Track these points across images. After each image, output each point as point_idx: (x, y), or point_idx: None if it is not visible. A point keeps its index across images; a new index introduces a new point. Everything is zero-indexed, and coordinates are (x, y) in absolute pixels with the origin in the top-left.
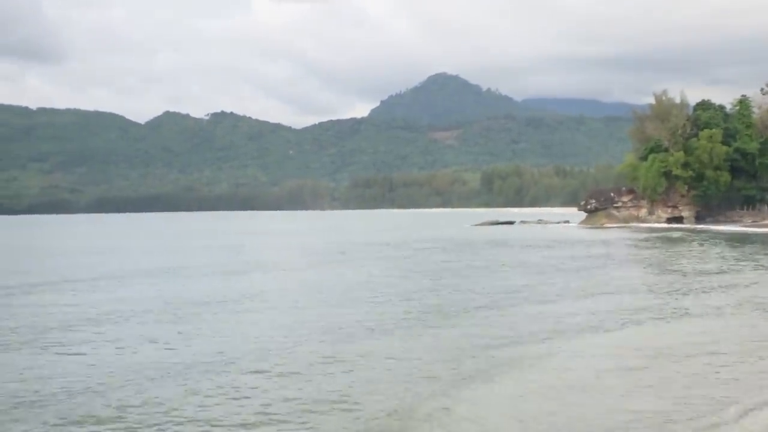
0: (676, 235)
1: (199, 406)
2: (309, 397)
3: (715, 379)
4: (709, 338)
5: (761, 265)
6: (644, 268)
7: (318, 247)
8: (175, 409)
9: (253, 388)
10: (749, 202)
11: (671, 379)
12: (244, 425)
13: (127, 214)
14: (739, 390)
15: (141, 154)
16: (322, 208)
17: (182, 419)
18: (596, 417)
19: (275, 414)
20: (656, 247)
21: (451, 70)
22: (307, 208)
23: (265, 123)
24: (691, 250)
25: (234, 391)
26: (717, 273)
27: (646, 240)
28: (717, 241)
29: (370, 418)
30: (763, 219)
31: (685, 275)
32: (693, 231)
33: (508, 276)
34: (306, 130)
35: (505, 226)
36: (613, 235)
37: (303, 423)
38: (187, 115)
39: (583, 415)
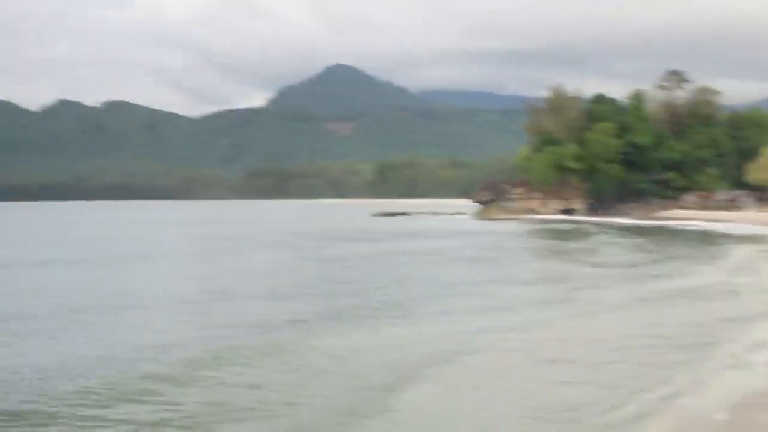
0: (568, 227)
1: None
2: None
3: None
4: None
5: (652, 258)
6: (533, 258)
7: (209, 241)
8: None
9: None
10: (641, 195)
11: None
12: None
13: (17, 203)
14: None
15: (33, 143)
16: (216, 199)
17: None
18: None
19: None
20: (546, 239)
21: (348, 61)
22: (200, 198)
23: (160, 112)
24: (581, 242)
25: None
26: (607, 265)
27: (537, 232)
28: (607, 232)
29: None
30: (654, 212)
31: (573, 265)
32: (584, 223)
33: (401, 267)
34: (201, 119)
35: (400, 217)
36: (505, 227)
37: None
38: (81, 103)
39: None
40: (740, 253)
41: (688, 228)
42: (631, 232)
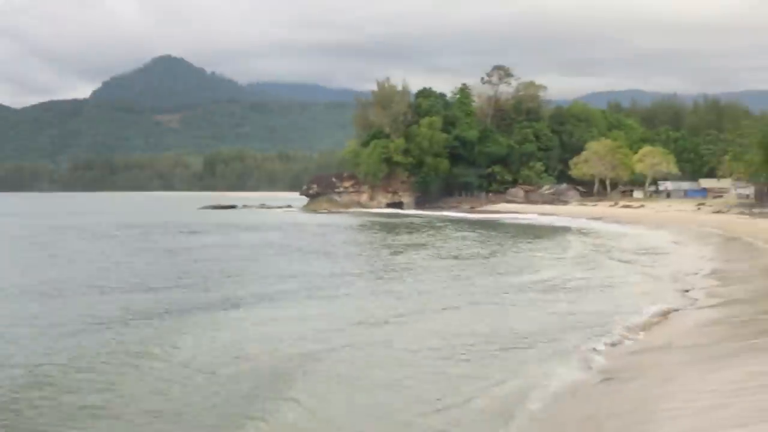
0: (396, 220)
1: None
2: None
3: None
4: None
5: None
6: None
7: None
8: None
9: None
10: (467, 189)
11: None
12: None
13: None
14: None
15: None
16: (42, 191)
17: None
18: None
19: None
20: (373, 231)
21: (175, 53)
22: (26, 191)
23: None
24: (417, 234)
25: None
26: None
27: (363, 225)
28: (438, 225)
29: None
30: (481, 205)
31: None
32: (414, 216)
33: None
34: (25, 110)
35: (228, 210)
36: (331, 219)
37: None
38: None
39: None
40: (575, 246)
41: (519, 221)
42: (461, 224)
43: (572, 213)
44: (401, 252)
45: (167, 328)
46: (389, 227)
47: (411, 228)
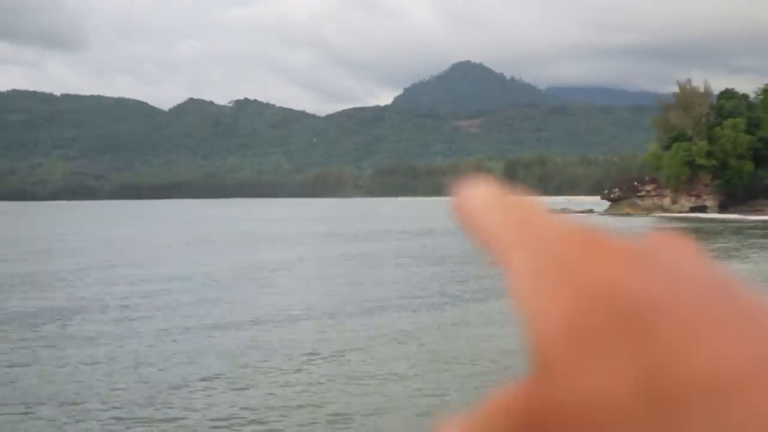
0: (705, 225)
1: None
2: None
3: None
4: None
5: None
6: None
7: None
8: None
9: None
10: None
11: None
12: None
13: (150, 201)
14: None
15: (164, 141)
16: (346, 196)
17: None
18: None
19: None
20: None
21: (474, 58)
22: (330, 196)
23: (289, 110)
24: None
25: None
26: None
27: (673, 229)
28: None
29: None
30: None
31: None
32: (721, 221)
33: None
34: (329, 117)
35: None
36: (636, 223)
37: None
38: (211, 102)
39: None
40: None
41: None
42: None
43: None
44: None
45: None
46: (701, 233)
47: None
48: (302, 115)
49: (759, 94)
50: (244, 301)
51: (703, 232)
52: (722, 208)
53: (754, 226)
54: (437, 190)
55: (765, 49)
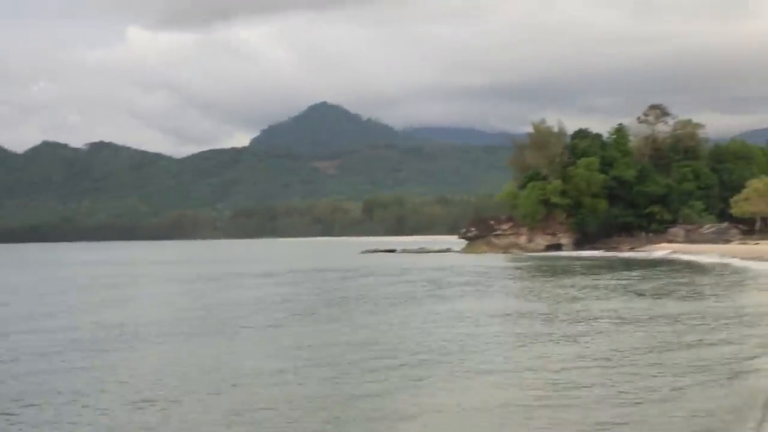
0: (559, 263)
1: None
2: None
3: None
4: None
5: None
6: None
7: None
8: None
9: None
10: (627, 229)
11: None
12: None
13: (6, 245)
14: None
15: (19, 184)
16: (204, 238)
17: None
18: None
19: None
20: (538, 273)
21: (331, 100)
22: (188, 238)
23: (145, 153)
24: (574, 275)
25: None
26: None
27: (527, 267)
28: (620, 268)
29: None
30: (641, 245)
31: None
32: (575, 258)
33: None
34: (186, 159)
35: (388, 254)
36: (493, 262)
37: None
38: (66, 145)
39: None
40: None
41: (710, 261)
42: (641, 266)
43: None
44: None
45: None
46: (552, 270)
47: (574, 269)
48: (158, 157)
49: (612, 134)
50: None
51: (556, 270)
52: (577, 245)
53: (610, 264)
54: (296, 231)
55: (615, 88)
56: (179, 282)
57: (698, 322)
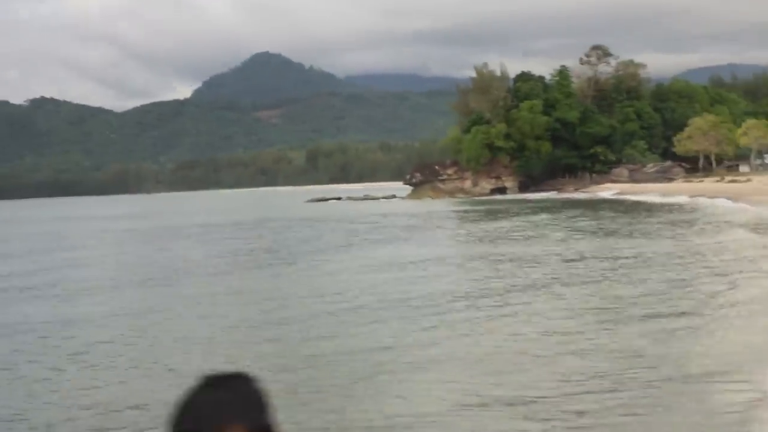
0: (504, 206)
1: None
2: None
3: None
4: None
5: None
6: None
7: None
8: None
9: None
10: (571, 171)
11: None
12: None
13: None
14: None
15: None
16: (148, 192)
17: None
18: None
19: None
20: (482, 216)
21: (273, 49)
22: (131, 192)
23: (86, 107)
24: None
25: None
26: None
27: (472, 210)
28: (560, 208)
29: None
30: (586, 186)
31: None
32: (519, 201)
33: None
34: (128, 113)
35: (334, 202)
36: (438, 207)
37: None
38: (6, 102)
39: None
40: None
41: (658, 201)
42: (587, 207)
43: (696, 190)
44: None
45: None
46: (494, 212)
47: (514, 210)
48: (100, 111)
49: (554, 76)
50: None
51: (499, 213)
52: (522, 188)
53: (554, 205)
54: (240, 182)
55: (557, 31)
56: (130, 237)
57: (655, 260)
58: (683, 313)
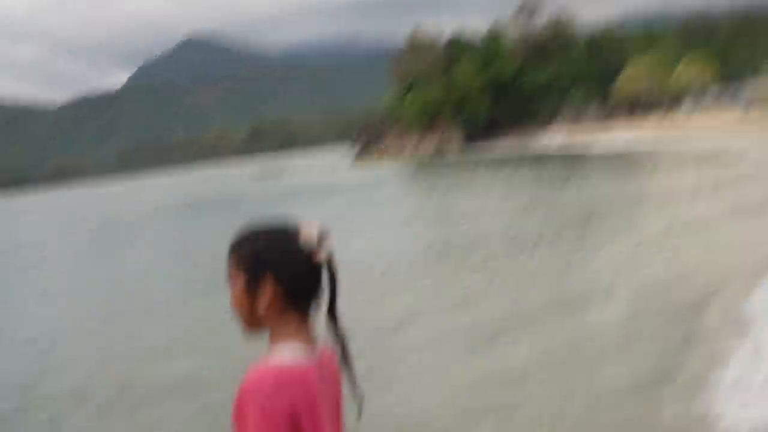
0: (450, 166)
1: None
2: None
3: None
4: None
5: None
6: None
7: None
8: None
9: None
10: (512, 125)
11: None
12: None
13: None
14: None
15: None
16: (92, 183)
17: None
18: None
19: None
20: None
21: (204, 29)
22: (76, 185)
23: (22, 106)
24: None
25: None
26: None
27: (417, 173)
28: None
29: None
30: (529, 140)
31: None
32: (463, 160)
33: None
34: (64, 107)
35: (279, 174)
36: (383, 171)
37: None
38: None
39: None
40: None
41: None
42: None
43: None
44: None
45: None
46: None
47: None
48: (36, 107)
49: (489, 32)
50: None
51: (443, 173)
52: (465, 146)
53: (492, 161)
54: (184, 164)
55: None
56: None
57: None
58: None
